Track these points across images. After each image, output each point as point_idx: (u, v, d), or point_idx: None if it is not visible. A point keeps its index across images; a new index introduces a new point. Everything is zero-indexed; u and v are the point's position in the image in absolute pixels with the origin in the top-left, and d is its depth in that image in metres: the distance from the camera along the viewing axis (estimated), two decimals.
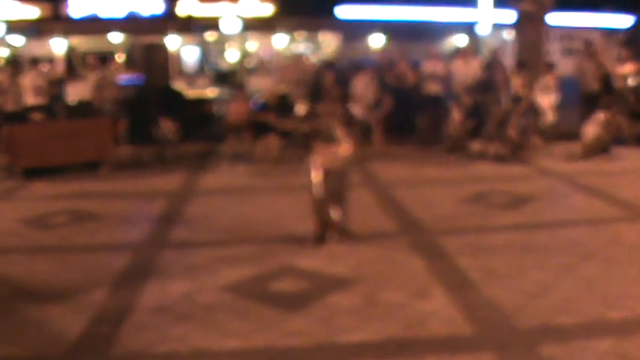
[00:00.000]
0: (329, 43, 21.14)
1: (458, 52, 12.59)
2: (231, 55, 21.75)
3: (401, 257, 5.35)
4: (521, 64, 10.47)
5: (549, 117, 10.63)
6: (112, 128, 9.62)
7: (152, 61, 19.37)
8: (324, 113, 6.03)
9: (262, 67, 19.45)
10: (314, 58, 18.49)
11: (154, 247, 5.80)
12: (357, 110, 9.42)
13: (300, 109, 5.96)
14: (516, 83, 10.15)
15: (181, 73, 20.01)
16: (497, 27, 19.34)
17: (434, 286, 4.69)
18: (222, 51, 21.83)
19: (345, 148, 5.79)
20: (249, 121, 9.94)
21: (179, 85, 14.99)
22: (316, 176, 5.82)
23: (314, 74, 11.92)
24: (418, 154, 10.32)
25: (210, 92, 14.89)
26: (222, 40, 21.34)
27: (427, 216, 6.57)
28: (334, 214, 5.73)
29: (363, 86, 10.52)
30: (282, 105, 10.13)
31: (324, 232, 5.75)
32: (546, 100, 10.59)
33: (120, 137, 10.17)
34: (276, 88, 11.02)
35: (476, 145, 10.06)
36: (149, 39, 20.14)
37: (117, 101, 10.84)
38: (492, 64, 11.25)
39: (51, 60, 13.79)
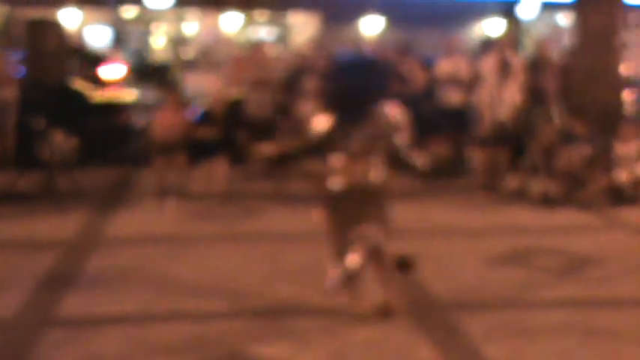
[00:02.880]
0: (302, 27, 21.44)
1: (489, 45, 12.87)
2: (160, 41, 21.91)
3: (403, 343, 5.36)
4: (579, 110, 10.62)
5: None
6: None
7: (38, 46, 19.32)
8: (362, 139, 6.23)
9: (205, 59, 19.61)
10: (280, 49, 18.71)
11: (33, 324, 5.73)
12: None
13: (320, 122, 6.06)
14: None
15: None
16: (549, 7, 19.84)
17: None
18: (146, 34, 21.99)
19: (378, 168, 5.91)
20: (185, 139, 9.98)
21: (80, 83, 15.00)
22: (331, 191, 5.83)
23: (286, 73, 12.07)
24: (429, 191, 10.42)
25: (128, 94, 14.93)
26: (147, 18, 21.51)
27: (442, 283, 6.61)
28: (351, 260, 5.74)
29: None
30: (232, 116, 10.21)
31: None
32: None
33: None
34: (225, 92, 11.11)
35: (513, 181, 10.22)
36: (34, 12, 20.17)
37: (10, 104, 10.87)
38: (540, 63, 11.52)
39: None
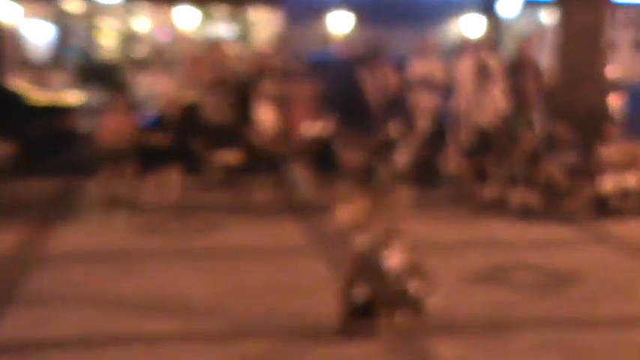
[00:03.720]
0: (264, 24, 21.44)
1: (467, 45, 13.01)
2: (108, 39, 21.79)
3: None
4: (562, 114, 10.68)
5: None
6: None
7: None
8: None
9: (158, 59, 19.54)
10: (241, 48, 18.72)
11: None
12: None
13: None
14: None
15: (24, 63, 19.89)
16: (531, 5, 20.08)
17: None
18: (92, 31, 21.83)
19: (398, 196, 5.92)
20: (136, 146, 9.98)
21: (19, 84, 14.93)
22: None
23: (246, 74, 12.10)
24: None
25: (72, 97, 14.86)
26: (93, 12, 21.38)
27: None
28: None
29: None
30: (188, 121, 10.22)
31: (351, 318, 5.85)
32: None
33: None
34: (180, 95, 11.11)
35: (491, 191, 10.36)
36: None
37: None
38: (521, 65, 11.68)
39: None
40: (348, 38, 20.34)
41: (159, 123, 10.55)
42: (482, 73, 10.99)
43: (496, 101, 10.94)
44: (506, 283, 7.32)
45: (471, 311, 6.56)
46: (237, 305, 6.54)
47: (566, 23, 11.79)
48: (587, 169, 10.03)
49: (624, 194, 9.91)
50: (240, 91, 11.67)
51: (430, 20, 19.37)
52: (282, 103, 11.12)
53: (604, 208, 9.85)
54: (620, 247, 8.66)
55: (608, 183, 9.90)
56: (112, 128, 10.11)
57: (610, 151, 10.16)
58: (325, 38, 20.62)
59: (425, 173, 11.08)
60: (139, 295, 6.87)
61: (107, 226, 9.34)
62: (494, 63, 11.38)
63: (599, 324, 6.33)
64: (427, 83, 11.48)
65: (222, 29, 21.87)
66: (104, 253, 8.24)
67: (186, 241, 8.72)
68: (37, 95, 14.03)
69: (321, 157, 10.74)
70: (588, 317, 6.48)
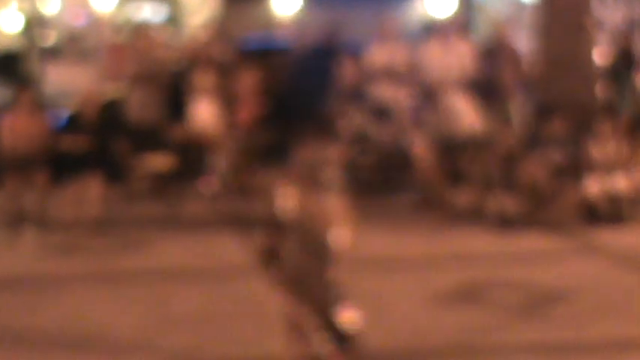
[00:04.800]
0: (198, 5, 21.43)
1: (433, 29, 13.11)
2: (9, 22, 21.61)
3: None
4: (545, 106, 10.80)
5: None
6: None
7: None
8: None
9: (70, 47, 19.39)
10: (171, 34, 18.66)
11: None
12: None
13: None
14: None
15: None
16: None
17: None
18: None
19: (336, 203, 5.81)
20: (46, 151, 9.91)
21: None
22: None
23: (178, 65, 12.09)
24: (361, 211, 10.52)
25: None
26: None
27: (377, 329, 6.62)
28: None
29: None
30: (108, 121, 10.17)
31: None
32: None
33: None
34: (98, 90, 11.05)
35: (464, 197, 10.41)
36: None
37: None
38: (497, 50, 11.78)
39: None
40: (296, 21, 20.38)
41: (73, 124, 10.47)
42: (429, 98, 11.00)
43: (460, 115, 10.87)
44: (482, 304, 7.38)
45: (442, 337, 6.58)
46: (168, 340, 6.50)
47: (549, 1, 11.88)
48: (573, 170, 10.08)
49: (613, 198, 9.98)
50: (171, 85, 11.64)
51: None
52: (225, 98, 11.12)
53: (593, 214, 9.93)
54: (612, 259, 8.78)
55: (594, 185, 9.91)
56: (16, 131, 10.02)
57: (600, 148, 10.21)
58: (269, 21, 20.65)
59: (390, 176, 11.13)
60: (51, 329, 6.82)
61: (13, 247, 9.28)
62: (464, 49, 11.45)
63: (589, 349, 6.39)
64: (389, 73, 11.52)
65: (148, 11, 21.80)
66: (9, 280, 8.16)
67: (108, 263, 8.66)
68: None
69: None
70: (577, 341, 6.53)
